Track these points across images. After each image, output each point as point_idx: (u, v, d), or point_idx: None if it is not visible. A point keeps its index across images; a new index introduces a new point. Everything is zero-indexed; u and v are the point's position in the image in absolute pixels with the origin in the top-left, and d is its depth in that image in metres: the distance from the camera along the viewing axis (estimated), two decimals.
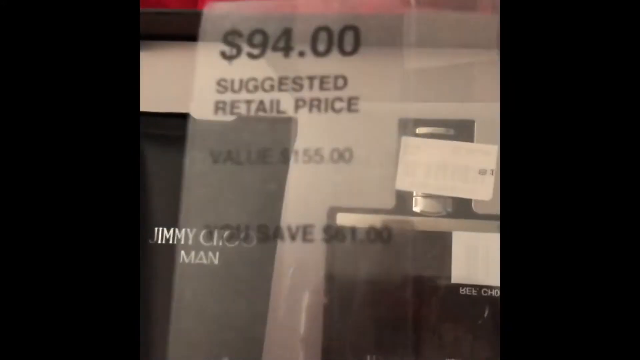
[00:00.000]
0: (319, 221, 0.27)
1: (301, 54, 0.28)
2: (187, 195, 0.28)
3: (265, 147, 0.28)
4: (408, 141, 0.29)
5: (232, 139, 0.28)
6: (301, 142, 0.28)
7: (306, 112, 0.28)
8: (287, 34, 0.29)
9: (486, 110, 0.29)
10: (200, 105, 0.28)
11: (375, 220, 0.29)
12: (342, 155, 0.27)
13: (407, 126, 0.30)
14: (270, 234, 0.27)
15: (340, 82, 0.28)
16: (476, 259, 0.28)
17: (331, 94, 0.28)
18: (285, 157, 0.28)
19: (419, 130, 0.30)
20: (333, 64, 0.28)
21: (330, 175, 0.28)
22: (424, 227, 0.29)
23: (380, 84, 0.28)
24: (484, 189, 0.28)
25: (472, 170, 0.28)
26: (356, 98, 0.28)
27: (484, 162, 0.28)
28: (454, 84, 0.31)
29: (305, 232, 0.27)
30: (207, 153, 0.28)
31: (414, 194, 0.30)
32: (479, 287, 0.28)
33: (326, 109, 0.28)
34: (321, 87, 0.28)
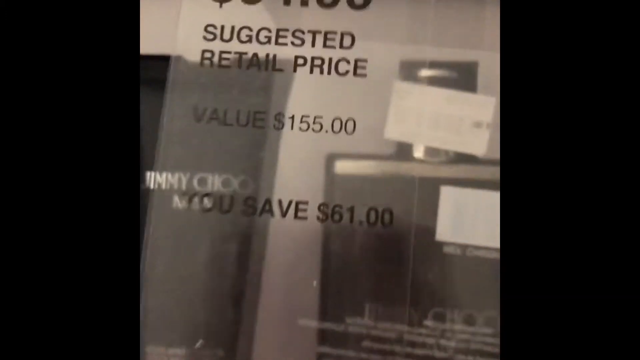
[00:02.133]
0: (314, 197, 0.24)
1: (304, 2, 0.25)
2: (163, 155, 0.25)
3: (258, 109, 0.25)
4: (401, 86, 0.26)
5: (220, 95, 0.25)
6: (299, 107, 0.25)
7: (306, 72, 0.25)
8: None
9: (491, 53, 0.27)
10: (185, 54, 0.25)
11: (374, 167, 0.27)
12: (345, 126, 0.24)
13: (409, 68, 0.27)
14: (258, 207, 0.24)
15: (347, 41, 0.25)
16: (463, 217, 0.26)
17: (336, 54, 0.25)
18: (280, 122, 0.24)
19: (420, 73, 0.27)
20: (340, 19, 0.25)
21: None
22: (423, 173, 0.27)
23: (392, 47, 0.25)
24: (478, 143, 0.26)
25: (467, 121, 0.26)
26: (364, 61, 0.25)
27: (480, 114, 0.26)
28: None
29: (297, 208, 0.24)
30: (189, 109, 0.25)
31: None
32: (463, 246, 0.26)
33: (329, 71, 0.25)
34: (325, 45, 0.25)
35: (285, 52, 0.25)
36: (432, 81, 0.27)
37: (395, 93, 0.25)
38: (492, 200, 0.26)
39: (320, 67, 0.25)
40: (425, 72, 0.27)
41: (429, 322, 0.26)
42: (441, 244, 0.26)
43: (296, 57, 0.25)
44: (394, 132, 0.25)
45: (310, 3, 0.25)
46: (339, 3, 0.25)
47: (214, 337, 0.26)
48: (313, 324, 0.26)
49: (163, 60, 0.28)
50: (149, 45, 0.25)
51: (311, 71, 0.25)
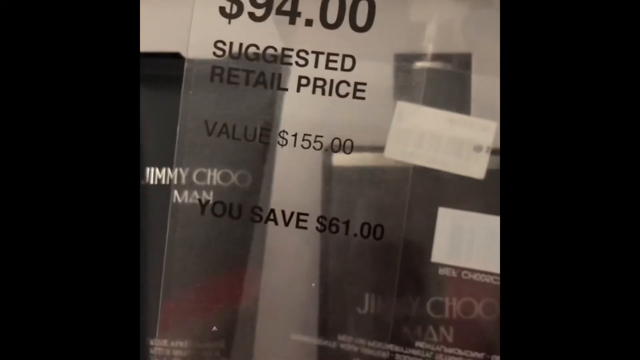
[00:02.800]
0: (314, 209, 0.27)
1: (308, 22, 0.26)
2: (178, 165, 0.27)
3: (264, 125, 0.26)
4: (403, 107, 0.27)
5: (229, 111, 0.27)
6: (301, 125, 0.26)
7: (309, 92, 0.26)
8: None
9: (485, 42, 0.28)
10: (195, 68, 0.26)
11: (372, 159, 0.28)
12: (343, 146, 0.26)
13: (404, 61, 0.28)
14: (264, 216, 0.27)
15: (348, 63, 0.26)
16: (460, 239, 0.28)
17: (337, 75, 0.26)
18: (284, 139, 0.26)
19: (416, 66, 0.28)
20: (342, 40, 0.26)
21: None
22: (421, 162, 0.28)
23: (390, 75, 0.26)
24: (478, 167, 0.27)
25: (467, 145, 0.27)
26: (363, 84, 0.26)
27: (480, 137, 0.27)
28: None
29: (299, 219, 0.27)
30: (201, 122, 0.27)
31: None
32: (459, 269, 0.28)
33: (330, 92, 0.26)
34: (327, 66, 0.26)
35: (290, 72, 0.26)
36: (427, 73, 0.27)
37: (397, 113, 0.27)
38: (490, 223, 0.27)
39: (322, 88, 0.26)
40: (419, 64, 0.28)
41: (420, 344, 0.28)
42: (437, 265, 0.28)
43: (300, 77, 0.26)
44: (394, 151, 0.27)
45: (314, 23, 0.26)
46: (342, 24, 0.26)
47: (217, 330, 0.29)
48: (306, 339, 0.29)
49: (163, 58, 0.29)
50: (149, 42, 0.27)
51: (313, 91, 0.26)
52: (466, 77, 0.28)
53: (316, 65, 0.26)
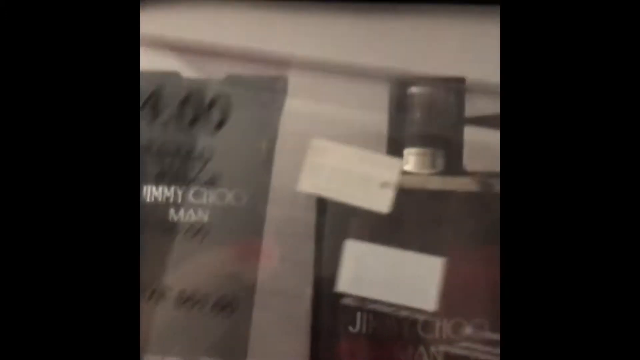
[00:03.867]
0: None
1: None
2: None
3: None
4: (317, 144, 0.29)
5: None
6: None
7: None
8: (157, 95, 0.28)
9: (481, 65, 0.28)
10: None
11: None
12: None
13: (399, 86, 0.30)
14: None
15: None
16: (364, 270, 0.28)
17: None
18: None
19: (410, 90, 0.30)
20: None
21: None
22: (414, 184, 0.30)
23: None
24: (383, 202, 0.28)
25: (375, 181, 0.28)
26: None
27: (386, 175, 0.28)
28: None
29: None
30: None
31: (405, 151, 0.30)
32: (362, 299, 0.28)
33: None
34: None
35: None
36: (422, 97, 0.29)
37: (311, 150, 0.28)
38: (393, 255, 0.28)
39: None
40: (415, 90, 0.30)
41: None
42: (340, 295, 0.28)
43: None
44: (307, 185, 0.29)
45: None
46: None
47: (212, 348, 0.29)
48: None
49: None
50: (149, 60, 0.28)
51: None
52: (460, 100, 0.30)
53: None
